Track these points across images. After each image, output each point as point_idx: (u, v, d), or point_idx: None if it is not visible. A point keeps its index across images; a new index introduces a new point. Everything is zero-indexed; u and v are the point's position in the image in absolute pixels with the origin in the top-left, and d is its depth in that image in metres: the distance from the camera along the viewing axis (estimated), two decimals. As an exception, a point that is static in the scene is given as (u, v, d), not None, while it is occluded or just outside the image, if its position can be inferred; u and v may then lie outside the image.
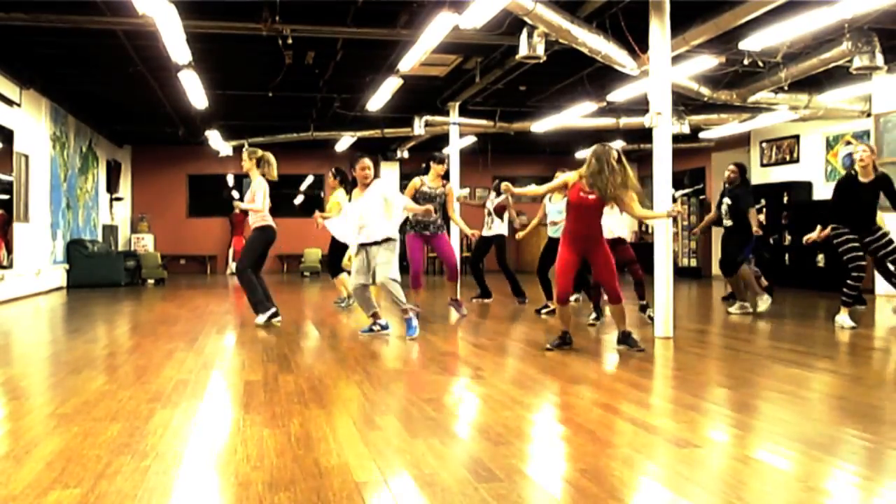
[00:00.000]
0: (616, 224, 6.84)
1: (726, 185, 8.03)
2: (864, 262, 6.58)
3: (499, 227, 8.98)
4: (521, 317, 7.80)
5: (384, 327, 6.31)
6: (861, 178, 6.46)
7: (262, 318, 6.99)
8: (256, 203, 7.06)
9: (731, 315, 7.77)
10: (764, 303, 7.92)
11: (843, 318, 6.58)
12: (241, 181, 17.14)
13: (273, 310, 7.06)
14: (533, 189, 6.17)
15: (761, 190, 12.96)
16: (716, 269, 11.00)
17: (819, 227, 6.70)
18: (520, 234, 8.10)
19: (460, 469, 2.69)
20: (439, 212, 7.28)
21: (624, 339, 5.46)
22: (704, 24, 6.93)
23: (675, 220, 7.81)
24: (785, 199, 12.21)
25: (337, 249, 8.47)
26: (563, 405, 3.90)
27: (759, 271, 8.50)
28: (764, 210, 12.56)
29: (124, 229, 16.62)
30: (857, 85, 10.14)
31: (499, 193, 8.88)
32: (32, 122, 10.75)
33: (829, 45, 8.15)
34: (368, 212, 6.05)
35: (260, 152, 7.24)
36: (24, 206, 10.38)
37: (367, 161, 6.17)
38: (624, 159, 5.35)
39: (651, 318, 6.60)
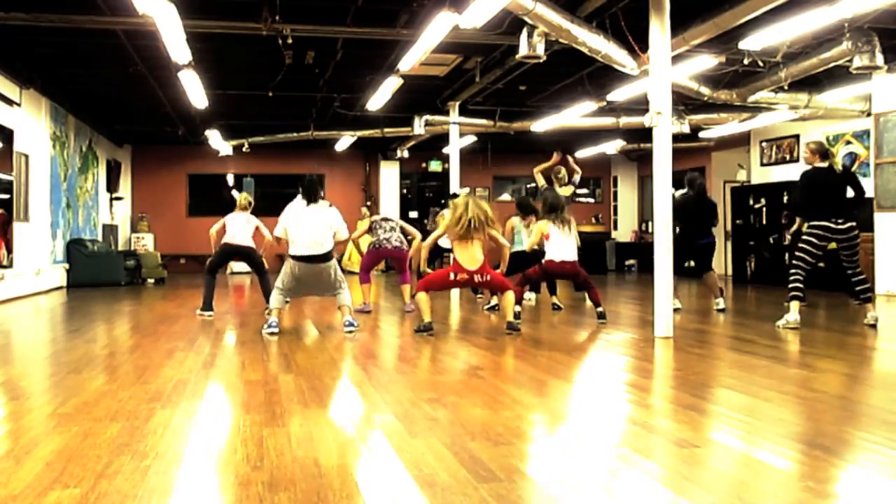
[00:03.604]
0: (569, 249, 7.03)
1: None
2: (804, 271, 6.55)
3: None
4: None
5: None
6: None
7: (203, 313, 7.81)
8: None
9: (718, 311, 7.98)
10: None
11: (791, 315, 6.47)
12: (241, 181, 17.17)
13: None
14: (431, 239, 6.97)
15: (761, 189, 12.98)
16: (717, 269, 10.96)
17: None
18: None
19: (460, 469, 2.69)
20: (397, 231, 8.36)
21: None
22: (704, 24, 6.93)
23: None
24: (785, 198, 12.19)
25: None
26: (562, 405, 3.90)
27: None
28: (763, 210, 12.63)
29: (124, 229, 16.62)
30: (857, 85, 10.14)
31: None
32: (32, 122, 10.75)
33: (829, 45, 8.15)
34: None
35: None
36: (24, 206, 10.38)
37: None
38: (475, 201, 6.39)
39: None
